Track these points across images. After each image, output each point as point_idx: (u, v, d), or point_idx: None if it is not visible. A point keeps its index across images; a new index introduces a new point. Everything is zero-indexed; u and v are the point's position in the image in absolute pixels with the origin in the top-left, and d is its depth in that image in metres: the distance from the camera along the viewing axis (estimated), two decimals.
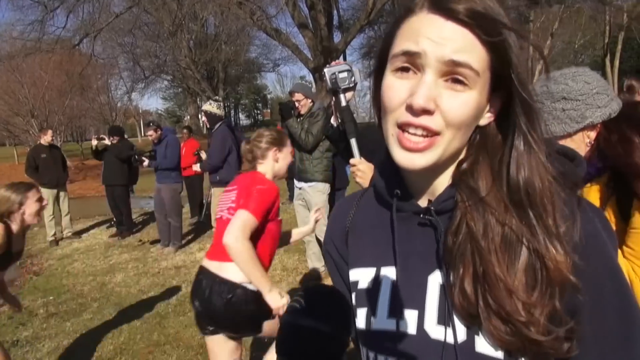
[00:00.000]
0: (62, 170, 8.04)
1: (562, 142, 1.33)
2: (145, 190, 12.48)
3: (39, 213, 2.76)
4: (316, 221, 2.74)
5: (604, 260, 0.66)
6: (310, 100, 4.71)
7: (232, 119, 53.76)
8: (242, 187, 2.32)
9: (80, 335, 4.23)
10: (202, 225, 8.06)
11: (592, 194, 1.42)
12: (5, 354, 2.86)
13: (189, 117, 29.66)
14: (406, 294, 0.72)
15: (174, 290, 5.23)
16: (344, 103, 1.98)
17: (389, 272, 0.75)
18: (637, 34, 27.30)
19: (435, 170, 0.70)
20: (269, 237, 2.34)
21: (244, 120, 62.67)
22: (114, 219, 8.41)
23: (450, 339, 0.66)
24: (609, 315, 0.64)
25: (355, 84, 1.95)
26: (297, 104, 4.67)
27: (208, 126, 5.60)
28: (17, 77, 22.79)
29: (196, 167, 6.01)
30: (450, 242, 0.68)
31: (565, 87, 1.36)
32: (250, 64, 37.38)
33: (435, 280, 0.71)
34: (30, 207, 2.70)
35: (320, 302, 0.56)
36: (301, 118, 4.67)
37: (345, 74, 1.92)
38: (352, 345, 0.55)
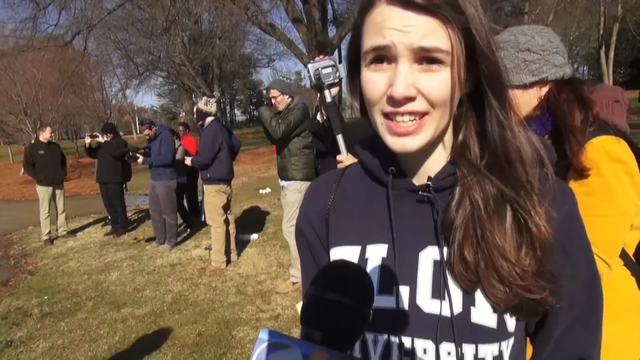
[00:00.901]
0: (59, 168, 7.99)
1: (516, 92, 1.42)
2: (140, 188, 12.44)
3: None
4: None
5: (580, 238, 0.74)
6: (287, 97, 4.55)
7: (228, 115, 53.69)
8: None
9: (75, 335, 4.20)
10: (197, 222, 8.04)
11: None
12: None
13: (184, 113, 29.55)
14: (397, 271, 0.73)
15: (170, 288, 5.21)
16: (329, 99, 1.95)
17: (377, 249, 0.75)
18: (632, 26, 27.33)
19: (427, 149, 0.71)
20: None
21: (239, 116, 62.60)
22: (109, 217, 8.38)
23: (446, 312, 0.69)
24: (580, 285, 0.74)
25: (341, 79, 1.92)
26: (273, 101, 4.52)
27: (197, 123, 5.55)
28: (9, 76, 22.66)
29: (188, 161, 5.95)
30: (452, 216, 0.70)
31: (531, 40, 1.42)
32: (245, 59, 37.25)
33: (427, 256, 0.73)
34: None
35: (344, 276, 0.59)
36: (280, 115, 4.49)
37: (329, 70, 1.89)
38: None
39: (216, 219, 5.54)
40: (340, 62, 2.01)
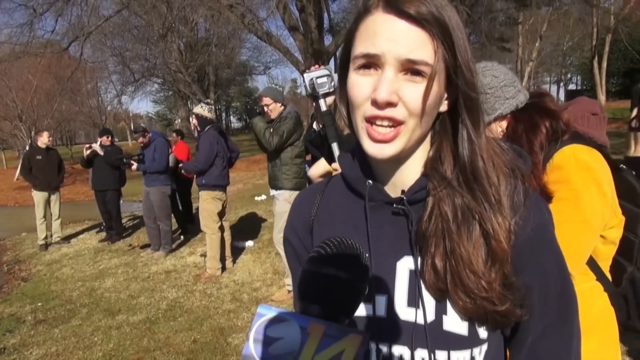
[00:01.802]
0: (56, 173, 7.95)
1: None
2: (135, 195, 12.40)
3: None
4: None
5: (552, 249, 0.77)
6: (280, 105, 4.55)
7: (224, 122, 53.64)
8: None
9: (68, 342, 4.18)
10: (193, 229, 8.02)
11: None
12: None
13: (179, 120, 29.51)
14: (376, 280, 0.76)
15: (164, 295, 5.19)
16: (324, 108, 1.99)
17: None
18: (624, 37, 27.64)
19: (402, 159, 0.76)
20: None
21: (235, 123, 62.55)
22: (104, 224, 8.35)
23: (420, 320, 0.72)
24: (552, 294, 0.76)
25: (336, 89, 1.94)
26: (265, 109, 4.52)
27: (199, 129, 5.55)
28: (4, 82, 22.58)
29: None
30: (423, 227, 0.73)
31: None
32: (241, 66, 37.34)
33: (404, 266, 0.76)
34: None
35: (339, 251, 0.61)
36: (272, 123, 4.49)
37: (324, 79, 1.93)
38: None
39: (211, 226, 5.53)
40: (335, 71, 2.05)
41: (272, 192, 4.67)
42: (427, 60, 0.66)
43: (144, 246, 7.32)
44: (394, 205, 0.77)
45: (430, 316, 0.72)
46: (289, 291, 4.71)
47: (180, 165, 6.34)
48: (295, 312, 0.60)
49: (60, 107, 27.08)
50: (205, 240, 5.81)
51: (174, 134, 8.99)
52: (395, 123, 0.69)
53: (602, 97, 28.54)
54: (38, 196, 7.79)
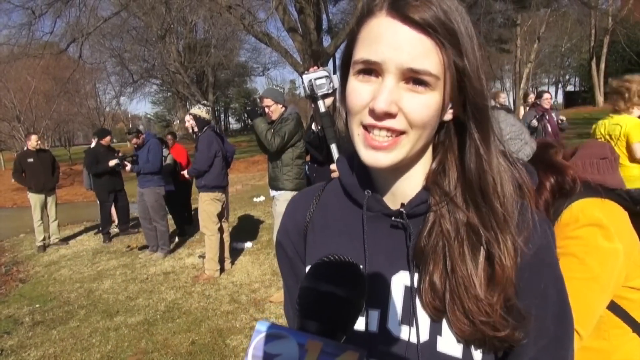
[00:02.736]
0: (50, 175, 7.95)
1: None
2: (132, 196, 12.37)
3: None
4: None
5: (553, 273, 0.73)
6: (281, 106, 4.55)
7: (222, 123, 53.64)
8: None
9: (66, 344, 4.17)
10: (191, 230, 8.01)
11: None
12: None
13: (178, 121, 29.52)
14: (369, 292, 0.73)
15: (163, 296, 5.18)
16: (323, 109, 1.98)
17: None
18: (622, 38, 27.73)
19: (402, 170, 0.73)
20: None
21: (234, 124, 62.58)
22: (101, 226, 8.36)
23: (413, 339, 0.69)
24: (549, 318, 0.72)
25: (335, 90, 1.95)
26: (266, 110, 4.52)
27: (196, 130, 5.55)
28: (3, 83, 22.57)
29: (185, 173, 5.97)
30: (422, 243, 0.70)
31: None
32: (240, 67, 37.40)
33: (399, 281, 0.73)
34: None
35: (337, 269, 0.61)
36: (273, 124, 4.50)
37: (323, 80, 1.92)
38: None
39: (210, 227, 5.53)
40: (334, 72, 2.05)
41: (273, 192, 4.67)
42: (430, 70, 0.62)
43: (142, 247, 7.31)
44: (393, 218, 0.74)
45: (424, 336, 0.69)
46: None
47: (183, 172, 6.35)
48: (292, 328, 0.60)
49: (59, 108, 27.08)
50: (203, 242, 5.80)
51: (169, 136, 9.00)
52: (395, 133, 0.65)
53: (600, 98, 28.65)
54: (34, 198, 7.78)
